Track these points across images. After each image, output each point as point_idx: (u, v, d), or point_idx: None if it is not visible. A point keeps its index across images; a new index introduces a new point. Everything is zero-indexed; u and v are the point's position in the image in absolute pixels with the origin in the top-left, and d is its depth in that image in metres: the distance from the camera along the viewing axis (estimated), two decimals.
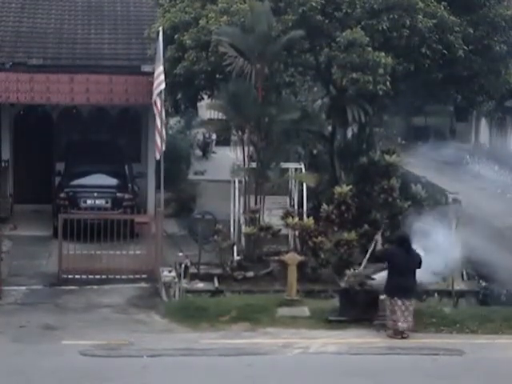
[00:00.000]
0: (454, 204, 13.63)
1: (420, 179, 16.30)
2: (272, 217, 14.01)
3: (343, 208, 13.19)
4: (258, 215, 13.61)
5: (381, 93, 13.46)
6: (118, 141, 17.23)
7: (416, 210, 12.99)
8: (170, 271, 12.46)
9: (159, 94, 13.82)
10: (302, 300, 11.88)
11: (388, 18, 13.54)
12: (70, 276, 12.88)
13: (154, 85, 13.96)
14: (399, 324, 10.68)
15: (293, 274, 11.91)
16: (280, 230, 13.64)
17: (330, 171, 15.35)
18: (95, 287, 12.67)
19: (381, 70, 13.29)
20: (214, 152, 25.23)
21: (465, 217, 11.79)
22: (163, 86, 13.73)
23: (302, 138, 15.63)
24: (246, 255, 13.62)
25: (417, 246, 10.96)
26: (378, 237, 12.06)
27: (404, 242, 10.95)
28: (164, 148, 13.93)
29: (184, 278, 12.62)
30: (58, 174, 16.55)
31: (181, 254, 13.27)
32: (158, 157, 14.21)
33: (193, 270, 13.06)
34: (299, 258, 12.24)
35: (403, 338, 10.70)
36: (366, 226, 13.08)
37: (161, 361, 9.70)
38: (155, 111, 13.96)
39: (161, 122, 13.83)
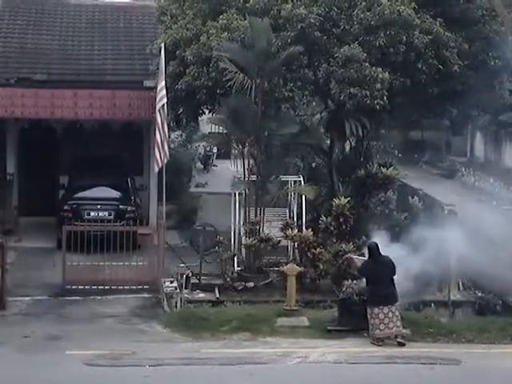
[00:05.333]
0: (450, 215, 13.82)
1: (417, 192, 16.48)
2: (272, 228, 14.18)
3: (341, 220, 13.34)
4: (257, 227, 13.77)
5: (378, 107, 13.64)
6: (120, 154, 17.40)
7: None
8: (171, 282, 12.59)
9: (161, 109, 14.07)
10: (301, 310, 12.04)
11: (385, 34, 13.75)
12: (73, 287, 13.04)
13: (157, 99, 14.21)
14: (376, 331, 10.88)
15: (292, 285, 12.07)
16: (279, 242, 13.80)
17: (328, 184, 15.48)
18: (98, 298, 12.82)
19: (378, 85, 13.49)
20: (214, 165, 25.40)
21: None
22: (165, 100, 13.95)
23: (300, 151, 15.83)
24: (246, 266, 13.79)
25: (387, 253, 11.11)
26: (352, 256, 12.27)
27: (372, 253, 11.16)
28: (165, 161, 14.12)
29: (185, 288, 12.80)
30: (62, 187, 16.76)
31: (182, 265, 13.46)
32: (156, 170, 14.43)
33: (194, 280, 13.24)
34: (298, 268, 12.40)
35: (399, 344, 10.86)
36: (363, 238, 13.25)
37: (163, 370, 9.82)
38: (156, 125, 14.20)
39: (161, 136, 14.03)
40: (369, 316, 10.98)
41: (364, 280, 11.27)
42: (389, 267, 11.03)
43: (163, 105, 14.00)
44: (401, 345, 10.91)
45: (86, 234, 13.26)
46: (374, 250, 11.18)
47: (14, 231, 16.43)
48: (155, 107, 14.28)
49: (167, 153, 14.16)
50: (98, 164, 16.76)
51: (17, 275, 13.49)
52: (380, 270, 11.00)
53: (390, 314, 10.88)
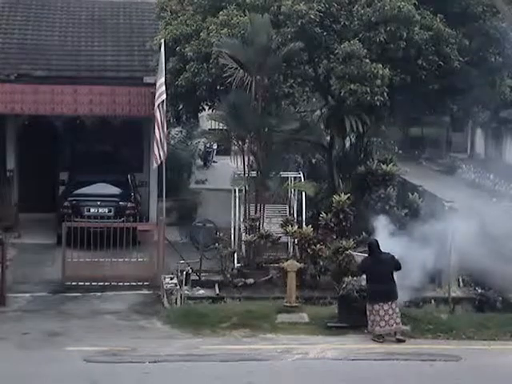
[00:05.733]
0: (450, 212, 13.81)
1: (417, 188, 16.48)
2: (272, 225, 14.24)
3: (341, 216, 13.37)
4: (258, 223, 13.79)
5: (378, 103, 13.67)
6: (120, 150, 17.43)
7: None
8: (171, 278, 12.62)
9: (160, 105, 14.05)
10: (301, 306, 12.04)
11: (385, 31, 13.77)
12: (73, 283, 13.06)
13: (156, 96, 14.21)
14: (376, 328, 10.90)
15: (292, 281, 12.08)
16: (280, 238, 13.83)
17: (328, 180, 15.52)
18: (98, 294, 12.84)
19: (378, 81, 13.51)
20: (214, 161, 25.45)
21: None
22: (164, 96, 13.93)
23: (300, 147, 15.87)
24: (246, 262, 13.79)
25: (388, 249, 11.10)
26: (352, 252, 12.31)
27: (372, 250, 11.16)
28: (164, 158, 14.11)
29: (185, 284, 12.81)
30: (62, 184, 16.80)
31: (182, 261, 13.48)
32: (154, 166, 14.44)
33: (194, 277, 13.25)
34: (298, 265, 12.41)
35: (399, 341, 10.88)
36: (363, 234, 13.26)
37: (163, 366, 9.83)
38: (155, 121, 14.19)
39: (160, 132, 14.02)
40: (368, 313, 10.99)
41: (364, 277, 11.28)
42: (389, 264, 11.03)
43: (162, 101, 13.99)
44: (400, 341, 10.92)
45: (85, 231, 13.28)
46: (373, 246, 11.18)
47: (14, 227, 16.44)
48: (154, 103, 14.28)
49: (165, 149, 14.13)
50: (98, 160, 16.78)
51: (17, 271, 13.51)
52: (380, 266, 11.00)
53: (390, 311, 10.89)
